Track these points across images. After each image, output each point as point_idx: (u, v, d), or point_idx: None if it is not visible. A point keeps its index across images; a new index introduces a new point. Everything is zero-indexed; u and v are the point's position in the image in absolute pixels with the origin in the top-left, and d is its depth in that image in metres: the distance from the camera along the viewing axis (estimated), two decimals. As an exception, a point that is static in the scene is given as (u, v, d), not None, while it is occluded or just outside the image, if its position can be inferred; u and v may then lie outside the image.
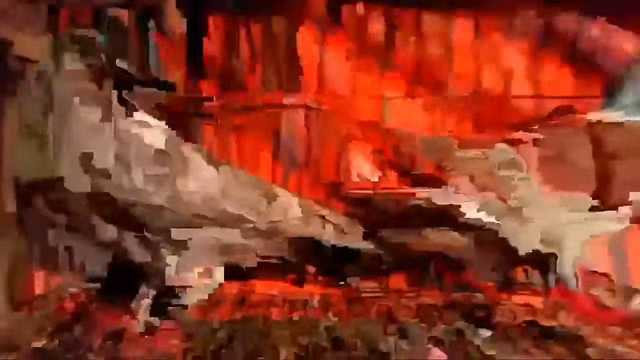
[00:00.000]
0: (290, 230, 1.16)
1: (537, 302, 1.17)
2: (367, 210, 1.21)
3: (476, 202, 1.07)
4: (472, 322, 1.04)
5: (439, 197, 1.10)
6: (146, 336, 1.01)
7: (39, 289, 1.22)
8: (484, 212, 1.07)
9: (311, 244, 1.19)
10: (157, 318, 1.06)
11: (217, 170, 1.10)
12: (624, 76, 1.11)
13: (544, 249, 1.07)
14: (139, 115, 1.08)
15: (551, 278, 1.07)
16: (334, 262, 1.24)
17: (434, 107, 1.30)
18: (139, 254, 1.05)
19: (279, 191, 1.20)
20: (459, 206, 1.09)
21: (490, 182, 1.06)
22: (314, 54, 1.32)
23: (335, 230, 1.20)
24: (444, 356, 0.95)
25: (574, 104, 1.25)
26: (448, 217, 1.11)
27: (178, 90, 1.30)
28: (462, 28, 1.30)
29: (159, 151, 1.03)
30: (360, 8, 1.30)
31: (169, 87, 1.29)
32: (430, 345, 0.99)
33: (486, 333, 0.98)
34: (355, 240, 1.19)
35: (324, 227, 1.20)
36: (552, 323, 1.03)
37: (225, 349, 0.97)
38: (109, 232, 1.03)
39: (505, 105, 1.27)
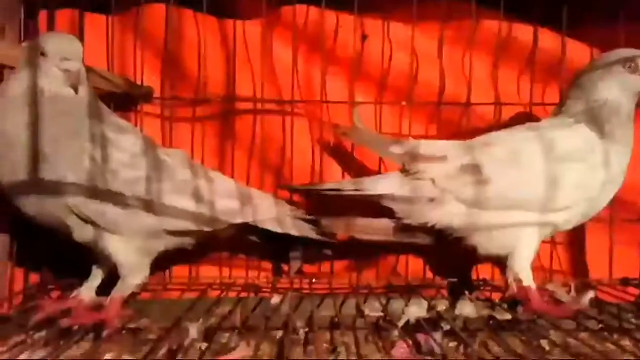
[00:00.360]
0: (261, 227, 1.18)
1: (497, 297, 1.24)
2: (337, 210, 1.26)
3: (438, 203, 1.11)
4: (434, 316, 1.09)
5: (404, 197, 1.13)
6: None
7: (18, 287, 1.26)
8: (444, 213, 1.11)
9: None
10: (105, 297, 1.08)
11: (192, 173, 1.11)
12: (574, 85, 1.15)
13: (502, 249, 1.10)
14: (115, 120, 1.08)
15: (509, 275, 1.11)
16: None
17: (401, 114, 1.36)
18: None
19: (254, 193, 1.22)
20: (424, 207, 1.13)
21: (450, 185, 1.10)
22: (287, 59, 1.37)
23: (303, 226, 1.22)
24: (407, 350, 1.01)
25: (532, 111, 1.34)
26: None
27: (155, 94, 1.35)
28: (427, 38, 1.36)
29: (134, 155, 1.04)
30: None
31: (145, 91, 1.34)
32: (395, 339, 1.05)
33: (446, 327, 1.04)
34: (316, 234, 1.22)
35: (294, 226, 1.21)
36: (509, 317, 1.09)
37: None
38: (86, 232, 1.03)
39: (467, 112, 1.34)
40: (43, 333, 1.04)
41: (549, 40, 1.35)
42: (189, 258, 1.32)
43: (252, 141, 1.36)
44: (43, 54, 0.98)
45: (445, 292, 1.29)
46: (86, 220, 1.01)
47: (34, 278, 1.30)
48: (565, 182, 1.06)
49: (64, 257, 1.23)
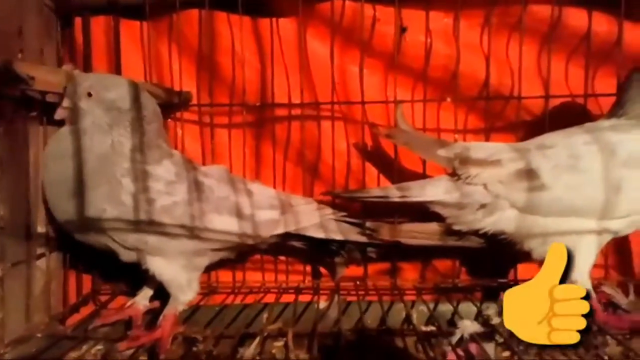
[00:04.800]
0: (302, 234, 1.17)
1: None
2: (381, 211, 1.24)
3: (490, 208, 1.07)
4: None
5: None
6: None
7: (72, 298, 1.30)
8: (496, 219, 1.07)
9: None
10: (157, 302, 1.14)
11: (232, 189, 1.10)
12: (630, 82, 1.07)
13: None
14: (155, 148, 1.08)
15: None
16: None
17: (444, 109, 1.31)
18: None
19: (295, 200, 1.21)
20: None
21: (504, 191, 1.05)
22: (323, 56, 1.32)
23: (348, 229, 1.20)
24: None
25: (585, 104, 1.26)
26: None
27: (194, 100, 1.34)
28: (469, 27, 1.29)
29: (172, 183, 1.04)
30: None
31: (184, 97, 1.33)
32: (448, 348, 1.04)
33: (500, 339, 1.02)
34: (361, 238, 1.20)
35: (338, 230, 1.20)
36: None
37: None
38: (131, 255, 1.06)
39: (515, 106, 1.27)
40: (99, 347, 1.08)
41: (603, 23, 1.26)
42: (233, 263, 1.33)
43: (291, 144, 1.34)
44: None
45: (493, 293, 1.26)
46: (129, 248, 1.03)
47: (87, 284, 1.34)
48: (627, 188, 1.00)
49: (115, 263, 1.26)
